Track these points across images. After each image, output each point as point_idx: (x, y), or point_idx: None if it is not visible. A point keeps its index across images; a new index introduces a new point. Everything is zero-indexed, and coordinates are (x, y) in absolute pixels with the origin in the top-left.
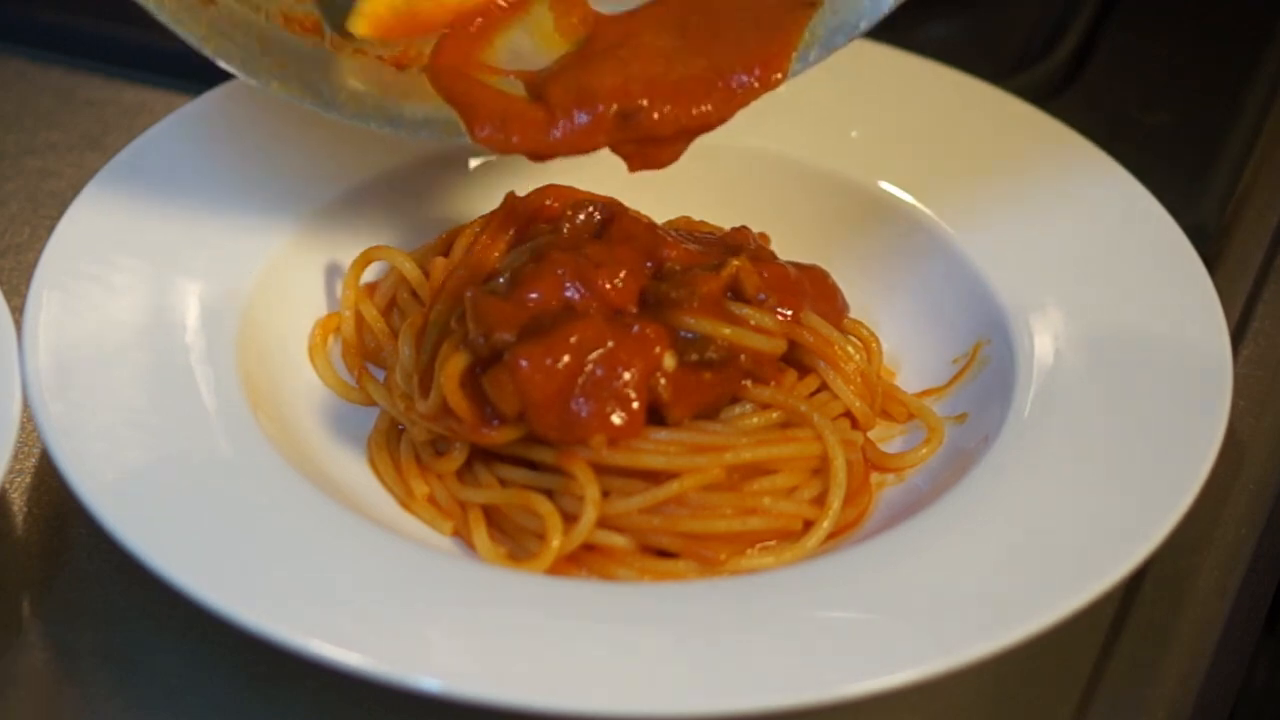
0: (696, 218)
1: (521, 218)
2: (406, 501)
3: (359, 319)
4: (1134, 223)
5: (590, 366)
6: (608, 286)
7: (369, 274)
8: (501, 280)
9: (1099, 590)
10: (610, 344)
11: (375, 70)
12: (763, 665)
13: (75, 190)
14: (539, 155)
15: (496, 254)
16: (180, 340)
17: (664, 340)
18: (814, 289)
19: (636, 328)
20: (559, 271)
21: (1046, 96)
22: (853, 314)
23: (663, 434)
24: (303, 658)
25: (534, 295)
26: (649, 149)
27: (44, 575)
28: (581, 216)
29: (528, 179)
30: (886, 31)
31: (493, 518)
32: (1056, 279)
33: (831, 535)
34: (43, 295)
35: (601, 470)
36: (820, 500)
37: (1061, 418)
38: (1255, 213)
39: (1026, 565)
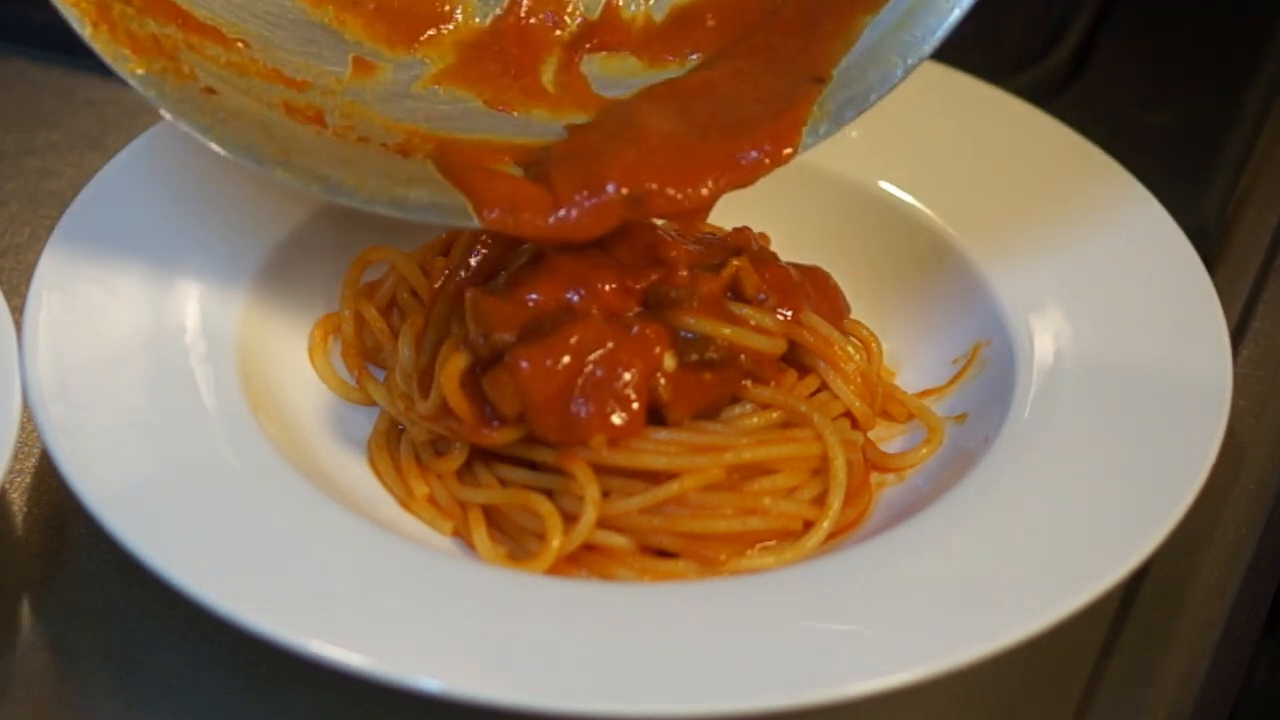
0: None
1: None
2: (406, 501)
3: (359, 319)
4: (1134, 223)
5: (590, 367)
6: (608, 288)
7: (369, 274)
8: (501, 280)
9: (1099, 590)
10: (610, 344)
11: (380, 158)
12: (763, 665)
13: (75, 190)
14: (549, 243)
15: (496, 254)
16: (180, 340)
17: (664, 340)
18: (815, 290)
19: (636, 328)
20: (559, 272)
21: (1046, 96)
22: (853, 314)
23: (663, 434)
24: (303, 658)
25: (534, 296)
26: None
27: (44, 575)
28: None
29: None
30: None
31: (493, 518)
32: (1056, 279)
33: (832, 535)
34: (43, 295)
35: (601, 470)
36: (820, 500)
37: (1061, 418)
38: (1255, 213)
39: (1026, 565)
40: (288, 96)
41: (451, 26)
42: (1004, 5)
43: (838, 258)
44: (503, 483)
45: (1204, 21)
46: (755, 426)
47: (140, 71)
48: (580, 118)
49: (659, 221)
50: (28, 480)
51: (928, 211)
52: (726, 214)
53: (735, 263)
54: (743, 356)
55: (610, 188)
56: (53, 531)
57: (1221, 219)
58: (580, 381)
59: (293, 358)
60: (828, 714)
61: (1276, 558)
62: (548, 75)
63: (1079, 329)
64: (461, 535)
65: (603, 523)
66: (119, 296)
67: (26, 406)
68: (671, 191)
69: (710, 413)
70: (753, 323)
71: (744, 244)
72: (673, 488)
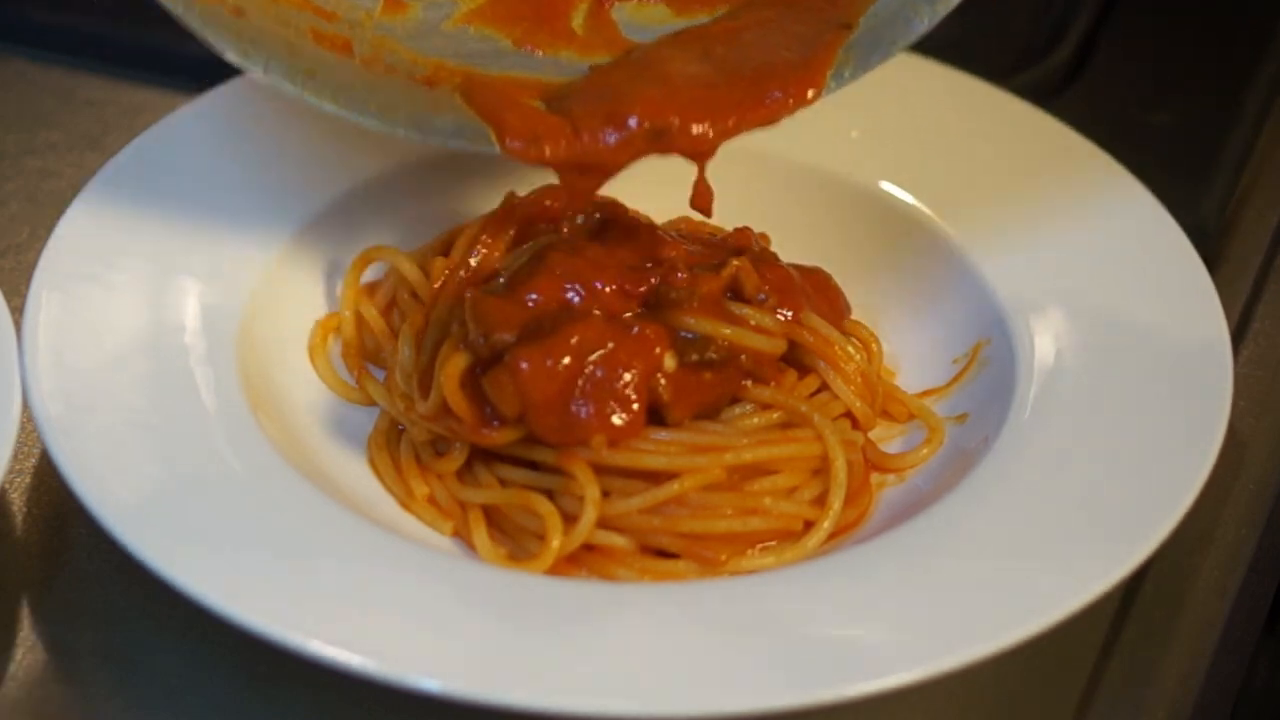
0: (696, 218)
1: (521, 218)
2: (406, 502)
3: (359, 319)
4: (1134, 223)
5: (590, 368)
6: (608, 288)
7: (369, 274)
8: (501, 280)
9: (1099, 590)
10: (610, 345)
11: (406, 86)
12: (763, 665)
13: (75, 190)
14: (568, 168)
15: (496, 254)
16: (180, 340)
17: (664, 341)
18: (816, 291)
19: (636, 328)
20: (559, 272)
21: (1046, 96)
22: (853, 314)
23: (663, 434)
24: (303, 658)
25: (534, 296)
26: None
27: (44, 575)
28: (581, 217)
29: (528, 179)
30: None
31: (493, 518)
32: (1057, 279)
33: (832, 535)
34: (43, 295)
35: (601, 470)
36: (821, 500)
37: (1062, 418)
38: (1255, 213)
39: (1026, 565)
40: (316, 24)
41: None
42: (1004, 5)
43: (838, 258)
44: (503, 483)
45: (1204, 21)
46: (755, 427)
47: None
48: (607, 60)
49: (659, 222)
50: (28, 480)
51: (928, 211)
52: (727, 214)
53: (735, 263)
54: (743, 357)
55: (633, 121)
56: (53, 531)
57: (1221, 219)
58: (580, 382)
59: (293, 358)
60: (828, 714)
61: (1276, 558)
62: (578, 19)
63: (1079, 329)
64: (461, 535)
65: (603, 523)
66: (119, 296)
67: (26, 406)
68: (694, 126)
69: (710, 413)
70: (753, 323)
71: (745, 244)
72: (673, 488)
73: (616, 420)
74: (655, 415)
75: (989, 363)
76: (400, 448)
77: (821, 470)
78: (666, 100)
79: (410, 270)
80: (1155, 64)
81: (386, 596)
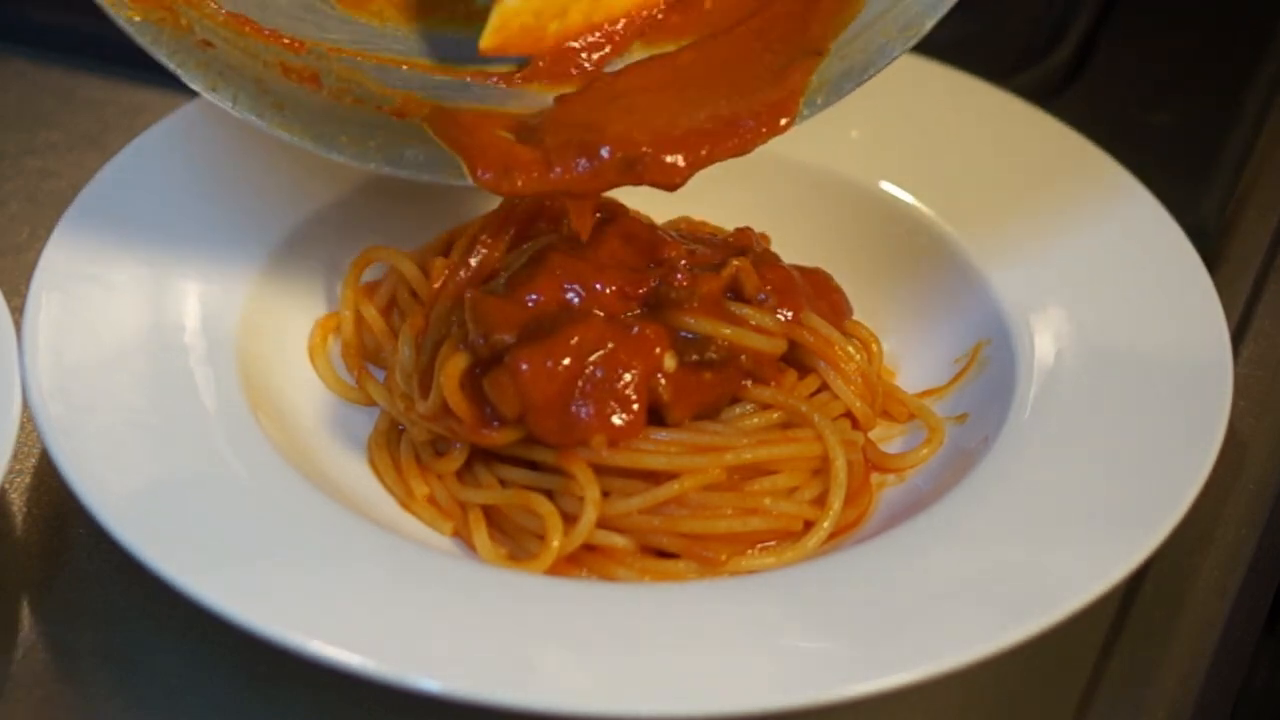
0: (696, 218)
1: (521, 218)
2: (406, 502)
3: (359, 319)
4: (1134, 223)
5: (591, 368)
6: (608, 289)
7: (369, 274)
8: (501, 280)
9: (1099, 590)
10: (610, 345)
11: (375, 118)
12: (763, 665)
13: (75, 190)
14: (540, 198)
15: (496, 254)
16: (180, 340)
17: (664, 341)
18: (817, 292)
19: (636, 329)
20: (559, 272)
21: (1046, 96)
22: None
23: (663, 434)
24: (303, 658)
25: (534, 296)
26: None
27: (44, 575)
28: None
29: None
30: None
31: (493, 518)
32: (1057, 279)
33: (832, 536)
34: (42, 295)
35: (601, 471)
36: (821, 500)
37: (1062, 418)
38: (1255, 213)
39: (1027, 565)
40: (284, 58)
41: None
42: (1004, 5)
43: (838, 258)
44: (503, 483)
45: (1204, 21)
46: (755, 427)
47: (137, 19)
48: (572, 90)
49: (659, 222)
50: (28, 480)
51: (928, 211)
52: (727, 214)
53: (735, 263)
54: (743, 357)
55: (605, 151)
56: (53, 531)
57: (1221, 219)
58: (580, 382)
59: (293, 358)
60: (828, 714)
61: (1276, 558)
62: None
63: (1079, 329)
64: (461, 535)
65: (603, 523)
66: (119, 296)
67: (26, 406)
68: (666, 156)
69: (710, 413)
70: (753, 323)
71: (746, 244)
72: (673, 488)
73: (617, 420)
74: (655, 415)
75: (989, 363)
76: (400, 448)
77: (821, 470)
78: (638, 130)
79: (410, 270)
80: (1155, 64)
81: (386, 596)
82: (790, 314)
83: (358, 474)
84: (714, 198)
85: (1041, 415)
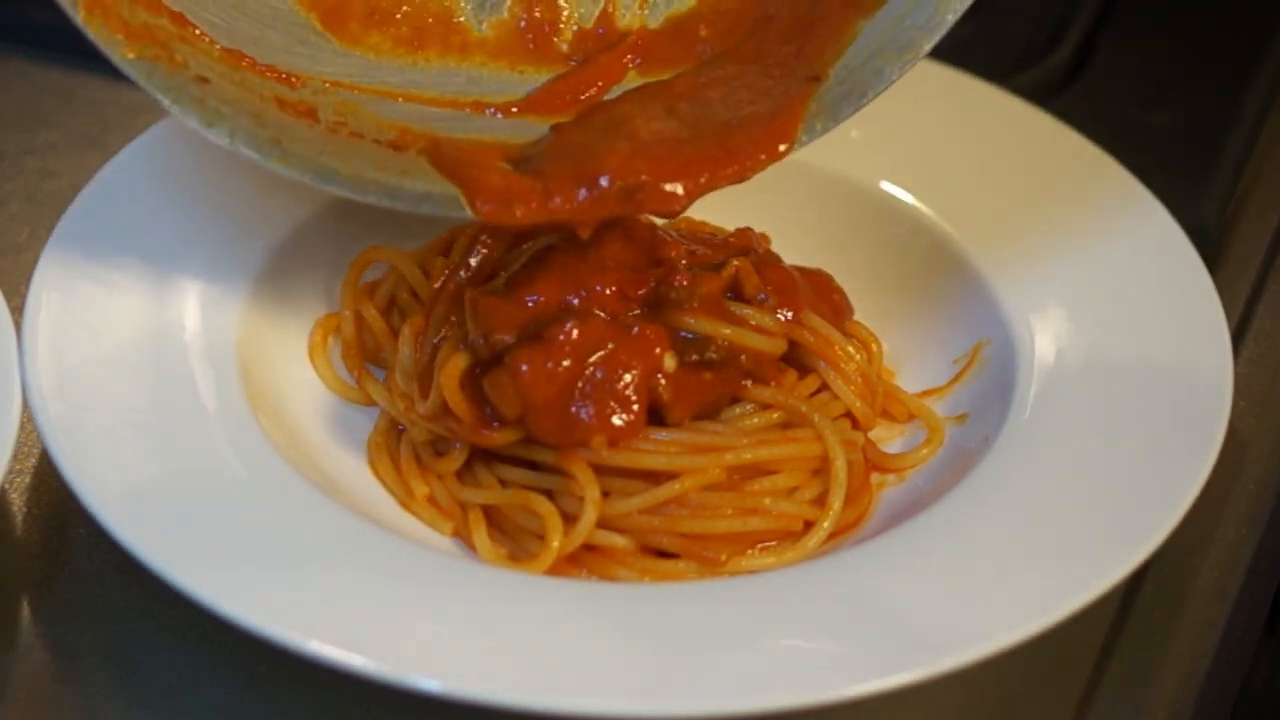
0: (697, 218)
1: None
2: (406, 502)
3: (359, 319)
4: (1134, 223)
5: (591, 369)
6: (608, 289)
7: (369, 274)
8: (501, 280)
9: (1099, 590)
10: (610, 345)
11: (373, 151)
12: (763, 666)
13: (75, 190)
14: (542, 228)
15: (496, 254)
16: (180, 340)
17: (664, 341)
18: (817, 292)
19: (636, 329)
20: (559, 272)
21: (1046, 96)
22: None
23: (663, 434)
24: (303, 658)
25: (534, 296)
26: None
27: (44, 575)
28: None
29: None
30: None
31: (493, 518)
32: (1057, 279)
33: (832, 535)
34: (42, 295)
35: (602, 471)
36: (821, 500)
37: (1062, 418)
38: (1255, 213)
39: (1027, 565)
40: (280, 92)
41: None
42: (1004, 5)
43: (839, 258)
44: (503, 483)
45: (1204, 21)
46: (755, 427)
47: (132, 56)
48: (568, 119)
49: (659, 222)
50: (28, 480)
51: (928, 212)
52: (728, 214)
53: (735, 263)
54: (743, 357)
55: (604, 180)
56: (53, 531)
57: (1221, 219)
58: (580, 383)
59: (293, 358)
60: (828, 714)
61: (1276, 558)
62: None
63: (1079, 329)
64: (461, 535)
65: (603, 523)
66: (119, 296)
67: (26, 406)
68: (666, 185)
69: (710, 413)
70: (753, 323)
71: (746, 245)
72: (673, 488)
73: (617, 421)
74: (655, 415)
75: (989, 363)
76: (400, 448)
77: (821, 470)
78: (637, 158)
79: (410, 270)
80: (1155, 64)
81: (386, 596)
82: (790, 314)
83: (358, 474)
84: (714, 198)
85: (1041, 415)
